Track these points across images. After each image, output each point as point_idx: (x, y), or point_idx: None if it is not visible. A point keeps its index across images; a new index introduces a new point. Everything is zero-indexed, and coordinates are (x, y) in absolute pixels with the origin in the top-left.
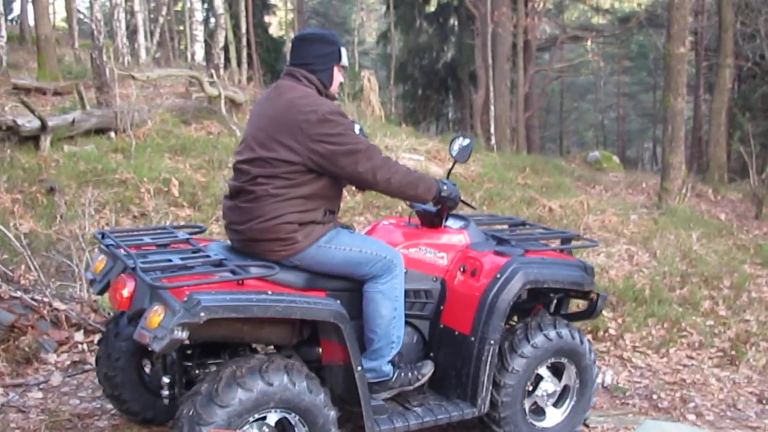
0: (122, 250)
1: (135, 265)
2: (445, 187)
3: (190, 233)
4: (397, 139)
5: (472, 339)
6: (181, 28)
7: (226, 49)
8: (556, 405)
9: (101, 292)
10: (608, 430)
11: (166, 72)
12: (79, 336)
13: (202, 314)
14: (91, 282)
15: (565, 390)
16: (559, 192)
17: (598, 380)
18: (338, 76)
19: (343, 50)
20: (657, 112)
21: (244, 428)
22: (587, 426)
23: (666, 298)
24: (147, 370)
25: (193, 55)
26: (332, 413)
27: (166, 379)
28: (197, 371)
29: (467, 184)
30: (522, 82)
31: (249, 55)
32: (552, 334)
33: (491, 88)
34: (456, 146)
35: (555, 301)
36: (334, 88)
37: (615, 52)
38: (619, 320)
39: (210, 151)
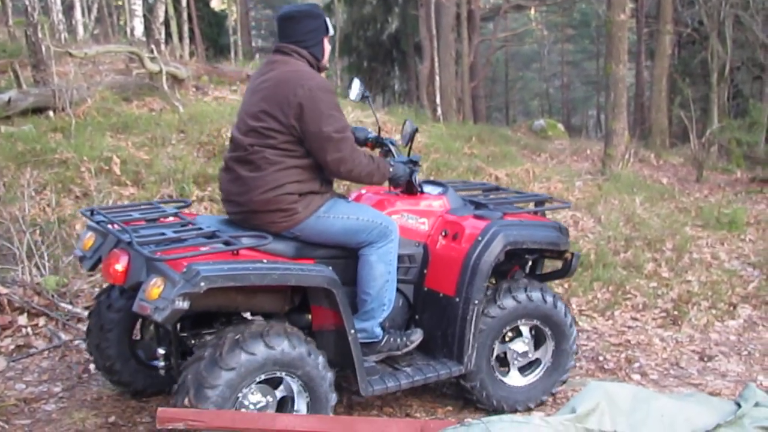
0: (115, 226)
1: (131, 239)
2: (391, 169)
3: (177, 208)
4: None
5: (457, 300)
6: (120, 2)
7: (166, 24)
8: (521, 371)
9: (92, 268)
10: (557, 393)
11: (104, 48)
12: (22, 320)
13: (202, 284)
14: (81, 258)
15: (536, 362)
16: (506, 161)
17: None
18: (328, 47)
19: (328, 20)
20: (600, 79)
21: (251, 387)
22: None
23: (611, 262)
24: (140, 340)
25: (132, 30)
26: (333, 396)
27: (161, 351)
28: (192, 341)
29: None
30: (467, 53)
31: (191, 30)
32: (545, 295)
33: (436, 59)
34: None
35: (530, 263)
36: (326, 59)
37: (558, 20)
38: (566, 285)
39: (153, 129)
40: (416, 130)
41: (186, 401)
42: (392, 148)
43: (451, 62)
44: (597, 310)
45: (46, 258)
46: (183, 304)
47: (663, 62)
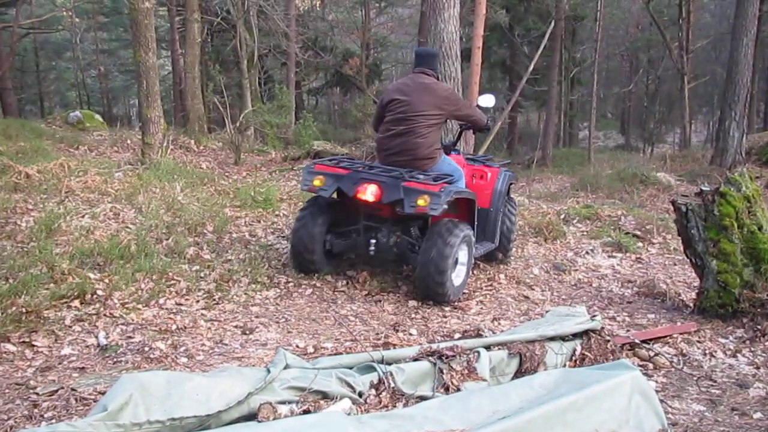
0: (381, 169)
1: (402, 176)
2: (486, 118)
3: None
4: None
5: (491, 210)
6: None
7: None
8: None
9: (330, 195)
10: (99, 393)
11: None
12: None
13: (454, 195)
14: (319, 190)
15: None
16: (38, 156)
17: (95, 341)
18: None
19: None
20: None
21: (458, 250)
22: (74, 390)
23: (152, 251)
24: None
25: None
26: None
27: (373, 241)
28: (397, 234)
29: None
30: None
31: None
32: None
33: None
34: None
35: None
36: None
37: (89, 7)
38: (107, 280)
39: None
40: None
41: (433, 267)
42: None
43: None
44: (141, 300)
45: None
46: (445, 206)
47: (194, 50)
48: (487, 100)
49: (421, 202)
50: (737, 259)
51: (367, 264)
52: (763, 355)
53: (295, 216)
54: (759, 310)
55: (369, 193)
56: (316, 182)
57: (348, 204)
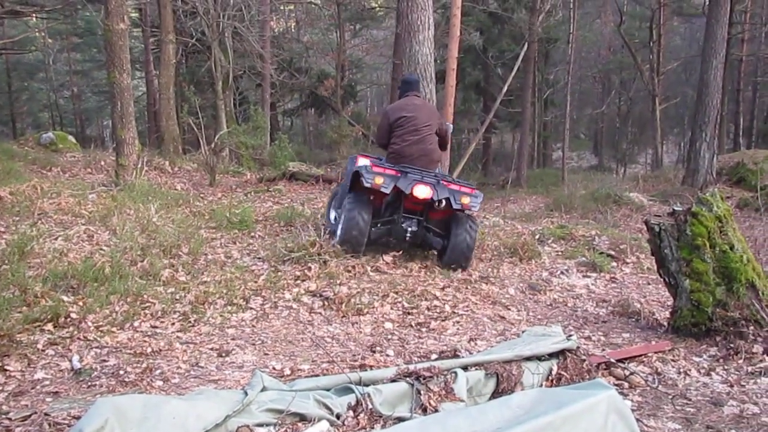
0: (429, 176)
1: (445, 177)
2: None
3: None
4: None
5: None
6: None
7: None
8: None
9: (390, 191)
10: (73, 417)
11: None
12: None
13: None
14: (380, 186)
15: None
16: (10, 178)
17: (69, 365)
18: None
19: None
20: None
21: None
22: (47, 415)
23: (127, 273)
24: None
25: None
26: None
27: (411, 228)
28: (425, 223)
29: None
30: None
31: None
32: None
33: None
34: None
35: None
36: None
37: (62, 28)
38: (81, 303)
39: None
40: None
41: (466, 245)
42: None
43: None
44: (116, 323)
45: None
46: (481, 204)
47: (169, 71)
48: None
49: (465, 200)
50: (710, 278)
51: (399, 248)
52: (737, 373)
53: (263, 233)
54: (732, 328)
55: (422, 191)
56: (378, 180)
57: (378, 200)
